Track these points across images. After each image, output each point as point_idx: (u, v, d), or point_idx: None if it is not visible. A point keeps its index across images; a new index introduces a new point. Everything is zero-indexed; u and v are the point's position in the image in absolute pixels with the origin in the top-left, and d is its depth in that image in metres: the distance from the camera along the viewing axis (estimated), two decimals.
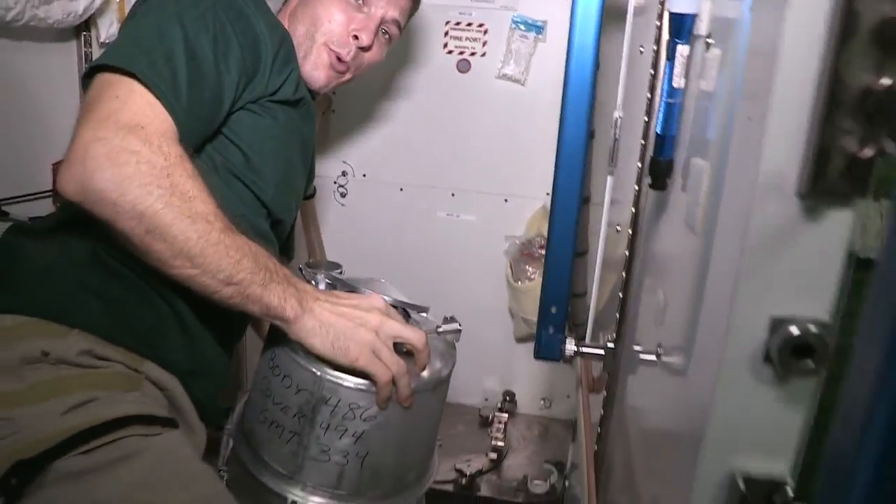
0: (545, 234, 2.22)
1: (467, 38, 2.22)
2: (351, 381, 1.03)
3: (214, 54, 1.10)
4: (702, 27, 0.76)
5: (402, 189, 2.38)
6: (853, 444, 0.40)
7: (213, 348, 1.23)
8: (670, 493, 0.57)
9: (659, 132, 0.82)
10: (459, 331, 1.18)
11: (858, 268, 0.48)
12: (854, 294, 0.45)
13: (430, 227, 2.38)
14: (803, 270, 0.45)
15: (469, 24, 2.21)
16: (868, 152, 0.39)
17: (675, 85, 0.78)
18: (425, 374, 1.08)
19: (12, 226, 1.21)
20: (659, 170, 0.83)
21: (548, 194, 2.26)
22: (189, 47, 1.06)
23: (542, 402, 2.47)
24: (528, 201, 2.30)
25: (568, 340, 1.15)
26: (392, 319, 1.07)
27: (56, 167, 1.43)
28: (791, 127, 0.41)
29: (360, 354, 1.02)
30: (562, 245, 1.11)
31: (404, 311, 1.19)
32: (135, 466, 0.97)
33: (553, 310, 1.12)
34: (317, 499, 1.09)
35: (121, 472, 0.96)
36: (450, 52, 2.23)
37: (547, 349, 1.16)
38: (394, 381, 1.04)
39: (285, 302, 1.01)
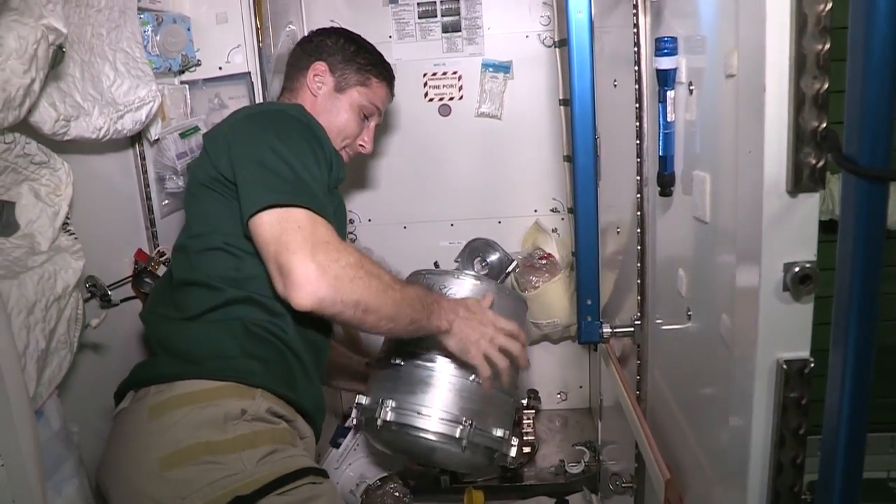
0: (542, 246, 2.51)
1: (445, 86, 2.51)
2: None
3: (318, 166, 1.39)
4: (682, 76, 1.06)
5: (405, 227, 2.63)
6: (842, 330, 0.69)
7: (319, 386, 1.51)
8: (736, 387, 0.86)
9: (661, 154, 1.11)
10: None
11: (821, 228, 0.78)
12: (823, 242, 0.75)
13: (435, 257, 2.55)
14: (796, 233, 0.75)
15: (444, 73, 2.50)
16: (820, 164, 0.69)
17: (669, 119, 1.08)
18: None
19: (157, 316, 1.41)
20: (665, 181, 1.13)
21: (536, 211, 2.58)
22: (307, 169, 1.34)
23: (558, 397, 2.73)
24: (519, 220, 2.59)
25: (603, 325, 1.42)
26: (502, 334, 1.49)
27: (139, 254, 1.66)
28: (777, 154, 0.72)
29: (475, 356, 1.46)
30: (587, 250, 1.39)
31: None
32: None
33: (588, 301, 1.40)
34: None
35: None
36: (430, 99, 2.51)
37: (587, 334, 1.43)
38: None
39: (441, 323, 1.42)
